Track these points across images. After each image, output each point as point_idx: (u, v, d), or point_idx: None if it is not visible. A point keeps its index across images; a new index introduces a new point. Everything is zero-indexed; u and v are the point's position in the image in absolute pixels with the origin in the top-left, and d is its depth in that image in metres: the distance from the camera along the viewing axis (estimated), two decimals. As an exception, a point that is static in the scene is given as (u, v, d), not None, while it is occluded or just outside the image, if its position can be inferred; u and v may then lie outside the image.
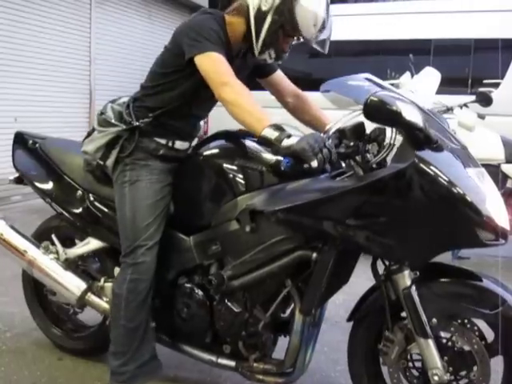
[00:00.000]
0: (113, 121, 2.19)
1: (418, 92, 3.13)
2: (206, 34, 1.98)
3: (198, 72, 1.98)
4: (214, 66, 1.96)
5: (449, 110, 3.75)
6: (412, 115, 1.56)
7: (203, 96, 2.11)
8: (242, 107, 1.89)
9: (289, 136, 1.72)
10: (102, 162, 2.23)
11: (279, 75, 2.37)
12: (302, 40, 2.03)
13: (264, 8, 1.98)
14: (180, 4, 10.00)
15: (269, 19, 1.98)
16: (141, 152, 2.17)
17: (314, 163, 1.63)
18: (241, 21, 2.07)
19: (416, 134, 1.58)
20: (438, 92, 3.36)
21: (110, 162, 2.21)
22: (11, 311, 3.17)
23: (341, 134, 1.75)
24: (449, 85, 4.19)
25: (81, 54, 7.73)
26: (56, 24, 7.18)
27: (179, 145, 2.22)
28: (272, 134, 1.76)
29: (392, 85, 4.53)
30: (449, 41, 5.35)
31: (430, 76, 3.40)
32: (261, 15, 2.00)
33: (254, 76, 2.34)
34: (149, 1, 9.15)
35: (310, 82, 6.02)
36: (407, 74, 3.90)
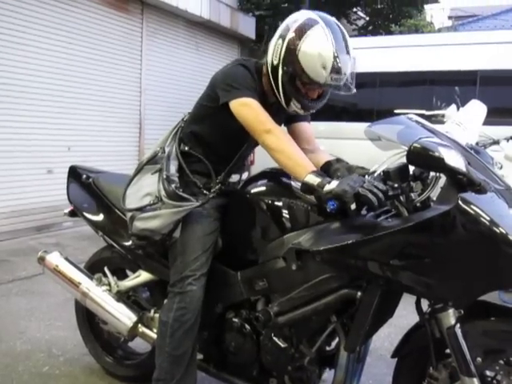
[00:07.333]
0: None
1: (464, 125, 3.14)
2: (242, 80, 2.06)
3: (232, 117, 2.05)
4: (253, 113, 2.03)
5: (495, 142, 3.73)
6: (455, 160, 1.59)
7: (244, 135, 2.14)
8: (285, 153, 1.96)
9: (329, 181, 1.78)
10: (168, 236, 2.19)
11: (305, 126, 2.37)
12: (324, 86, 2.01)
13: (275, 62, 2.05)
14: (226, 35, 10.22)
15: (280, 71, 2.04)
16: (194, 187, 2.24)
17: (354, 205, 1.69)
18: (268, 77, 2.13)
19: (459, 178, 1.62)
20: (485, 123, 3.35)
21: (177, 233, 2.18)
22: (64, 336, 3.28)
23: (385, 175, 1.79)
24: (495, 115, 4.16)
25: (132, 85, 7.98)
26: (109, 57, 7.46)
27: (231, 178, 2.29)
28: (314, 180, 1.82)
29: (437, 116, 4.52)
30: (495, 71, 5.31)
31: (476, 109, 3.41)
32: (274, 69, 2.07)
33: (283, 122, 2.37)
34: (196, 33, 9.39)
35: (355, 113, 6.11)
36: (453, 107, 3.90)
